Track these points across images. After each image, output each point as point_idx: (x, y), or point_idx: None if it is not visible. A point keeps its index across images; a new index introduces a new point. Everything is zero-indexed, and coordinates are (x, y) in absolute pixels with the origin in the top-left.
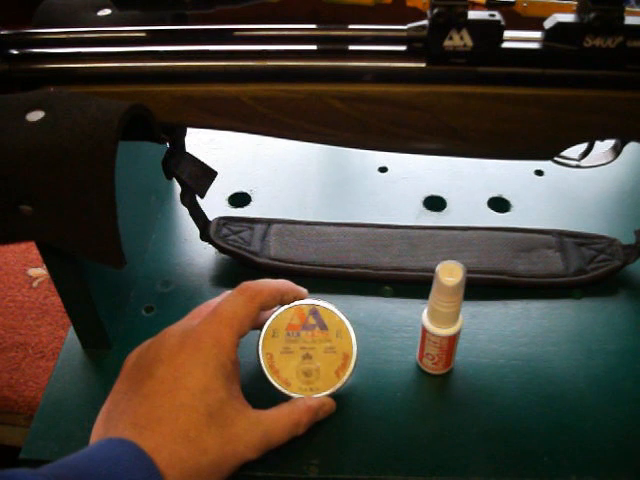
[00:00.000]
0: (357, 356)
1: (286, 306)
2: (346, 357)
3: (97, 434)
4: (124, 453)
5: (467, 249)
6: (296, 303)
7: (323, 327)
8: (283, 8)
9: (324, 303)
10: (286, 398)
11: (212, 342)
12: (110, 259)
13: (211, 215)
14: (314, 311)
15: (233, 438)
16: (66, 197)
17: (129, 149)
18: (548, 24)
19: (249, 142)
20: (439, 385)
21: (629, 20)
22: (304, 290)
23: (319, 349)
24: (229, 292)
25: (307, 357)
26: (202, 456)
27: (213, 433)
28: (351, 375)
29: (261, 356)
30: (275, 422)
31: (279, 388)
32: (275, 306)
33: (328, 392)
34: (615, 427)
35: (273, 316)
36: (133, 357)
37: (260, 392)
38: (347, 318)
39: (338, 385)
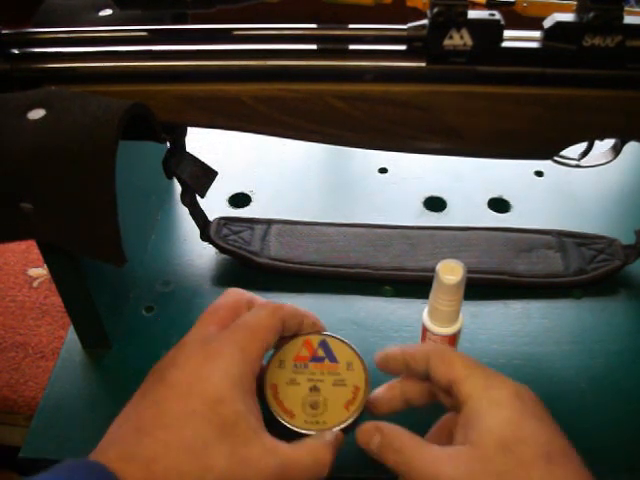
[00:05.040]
0: (369, 390)
1: (295, 338)
2: (357, 390)
3: (103, 444)
4: None
5: (467, 249)
6: (305, 335)
7: (333, 359)
8: (283, 8)
9: (335, 335)
10: (289, 432)
11: (237, 349)
12: (111, 257)
13: (211, 215)
14: (323, 343)
15: (245, 461)
16: (67, 195)
17: (129, 149)
18: (547, 23)
19: (249, 142)
20: None
21: (628, 19)
22: (322, 323)
23: (328, 381)
24: (232, 289)
25: (314, 389)
26: (206, 473)
27: (223, 450)
28: (362, 408)
29: (265, 386)
30: (296, 458)
31: (281, 420)
32: (296, 328)
33: (338, 427)
34: (616, 426)
35: (282, 348)
36: (151, 370)
37: None
38: (358, 351)
39: (348, 419)
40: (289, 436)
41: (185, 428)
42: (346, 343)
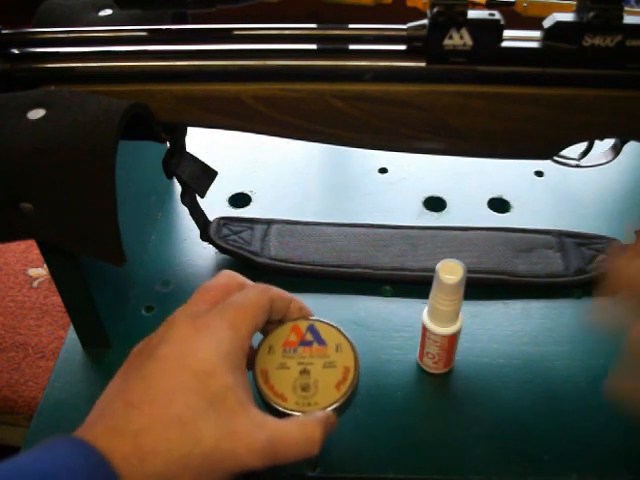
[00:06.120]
0: (359, 370)
1: (283, 324)
2: (347, 370)
3: (91, 419)
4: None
5: (467, 249)
6: (294, 321)
7: (321, 342)
8: (283, 8)
9: (322, 319)
10: (281, 415)
11: (227, 325)
12: (111, 257)
13: (211, 216)
14: (312, 327)
15: (233, 434)
16: (67, 195)
17: (129, 149)
18: (547, 23)
19: (250, 142)
20: (440, 384)
21: (628, 19)
22: (309, 309)
23: (317, 364)
24: (225, 271)
25: (304, 372)
26: (194, 446)
27: (211, 423)
28: (352, 388)
29: (255, 372)
30: (285, 432)
31: (273, 403)
32: (284, 311)
33: (330, 407)
34: (615, 426)
35: (271, 334)
36: (137, 346)
37: None
38: (347, 333)
39: (340, 398)
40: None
41: (174, 402)
42: (334, 326)
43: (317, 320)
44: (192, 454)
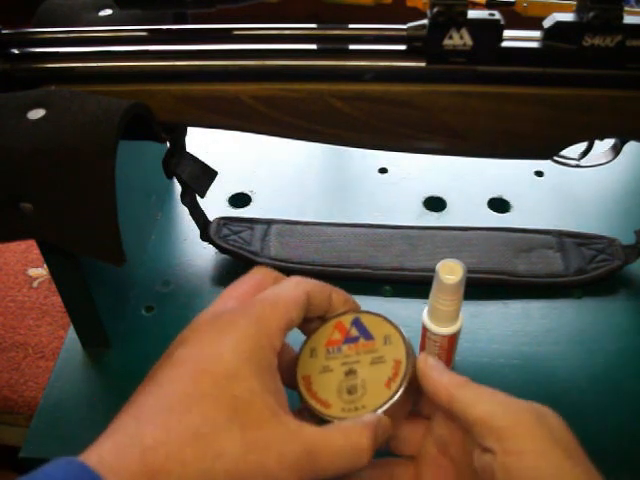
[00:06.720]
0: (412, 362)
1: (326, 322)
2: (398, 364)
3: (102, 436)
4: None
5: (467, 249)
6: (337, 317)
7: (368, 337)
8: (283, 8)
9: (368, 310)
10: (326, 424)
11: (251, 320)
12: (110, 256)
13: (211, 216)
14: (356, 321)
15: (261, 446)
16: (67, 194)
17: (129, 149)
18: (547, 23)
19: (249, 142)
20: None
21: (628, 19)
22: (354, 300)
23: (364, 361)
24: (260, 267)
25: (350, 373)
26: (215, 460)
27: (234, 434)
28: (406, 383)
29: (298, 379)
30: (325, 441)
31: (316, 412)
32: (326, 304)
33: (380, 409)
34: (616, 426)
35: (313, 334)
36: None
37: None
38: (396, 323)
39: (391, 397)
40: None
41: (190, 411)
42: (381, 316)
43: (363, 312)
44: (213, 470)
